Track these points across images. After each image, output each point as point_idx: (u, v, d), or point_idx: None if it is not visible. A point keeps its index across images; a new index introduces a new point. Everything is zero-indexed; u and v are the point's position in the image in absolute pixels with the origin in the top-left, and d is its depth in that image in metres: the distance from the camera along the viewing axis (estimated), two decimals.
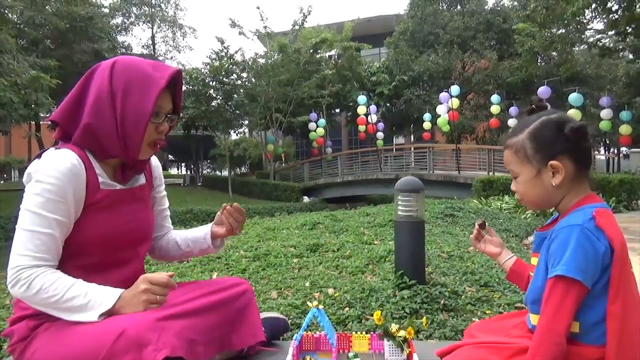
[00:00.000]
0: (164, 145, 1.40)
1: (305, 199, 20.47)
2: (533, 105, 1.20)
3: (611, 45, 16.85)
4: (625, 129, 13.28)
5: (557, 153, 1.12)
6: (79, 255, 1.28)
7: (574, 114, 11.91)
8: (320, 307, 1.44)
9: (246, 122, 24.88)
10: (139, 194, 1.44)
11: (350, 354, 1.57)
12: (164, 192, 1.61)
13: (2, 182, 29.42)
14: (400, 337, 1.43)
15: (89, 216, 1.28)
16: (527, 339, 1.13)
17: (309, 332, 1.64)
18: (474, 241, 1.47)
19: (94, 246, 1.29)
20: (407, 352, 1.38)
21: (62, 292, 1.19)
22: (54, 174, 1.21)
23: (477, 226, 1.44)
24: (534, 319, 1.16)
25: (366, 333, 1.68)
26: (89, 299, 1.19)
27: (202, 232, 1.57)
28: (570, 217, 1.11)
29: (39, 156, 1.27)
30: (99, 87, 1.28)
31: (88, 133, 1.28)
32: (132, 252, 1.40)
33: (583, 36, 17.24)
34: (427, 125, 18.46)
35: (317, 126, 21.45)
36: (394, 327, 1.48)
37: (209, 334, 1.33)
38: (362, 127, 20.23)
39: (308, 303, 1.47)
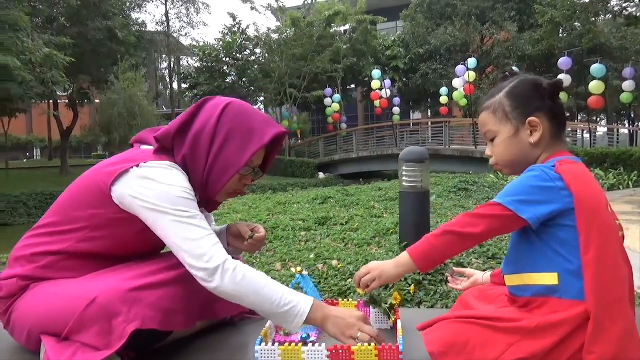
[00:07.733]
0: (242, 194, 1.40)
1: (321, 175, 20.48)
2: (507, 73, 1.22)
3: (637, 14, 16.16)
4: None
5: (534, 110, 1.13)
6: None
7: (596, 85, 11.53)
8: (305, 272, 1.38)
9: (261, 98, 24.78)
10: None
11: None
12: None
13: (25, 160, 30.06)
14: (386, 304, 1.39)
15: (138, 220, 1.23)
16: (508, 307, 1.14)
17: None
18: (452, 286, 1.54)
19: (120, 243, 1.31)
20: (393, 319, 1.35)
21: (264, 281, 1.21)
22: (183, 189, 1.22)
23: (449, 277, 1.55)
24: (508, 280, 1.17)
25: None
26: (289, 299, 1.19)
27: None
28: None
29: (144, 159, 1.25)
30: (205, 121, 1.29)
31: (182, 161, 1.28)
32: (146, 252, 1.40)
33: (608, 5, 16.54)
34: (443, 99, 18.14)
35: (332, 101, 21.28)
36: (381, 294, 1.44)
37: (189, 303, 1.27)
38: (377, 102, 19.99)
39: (292, 269, 1.42)
